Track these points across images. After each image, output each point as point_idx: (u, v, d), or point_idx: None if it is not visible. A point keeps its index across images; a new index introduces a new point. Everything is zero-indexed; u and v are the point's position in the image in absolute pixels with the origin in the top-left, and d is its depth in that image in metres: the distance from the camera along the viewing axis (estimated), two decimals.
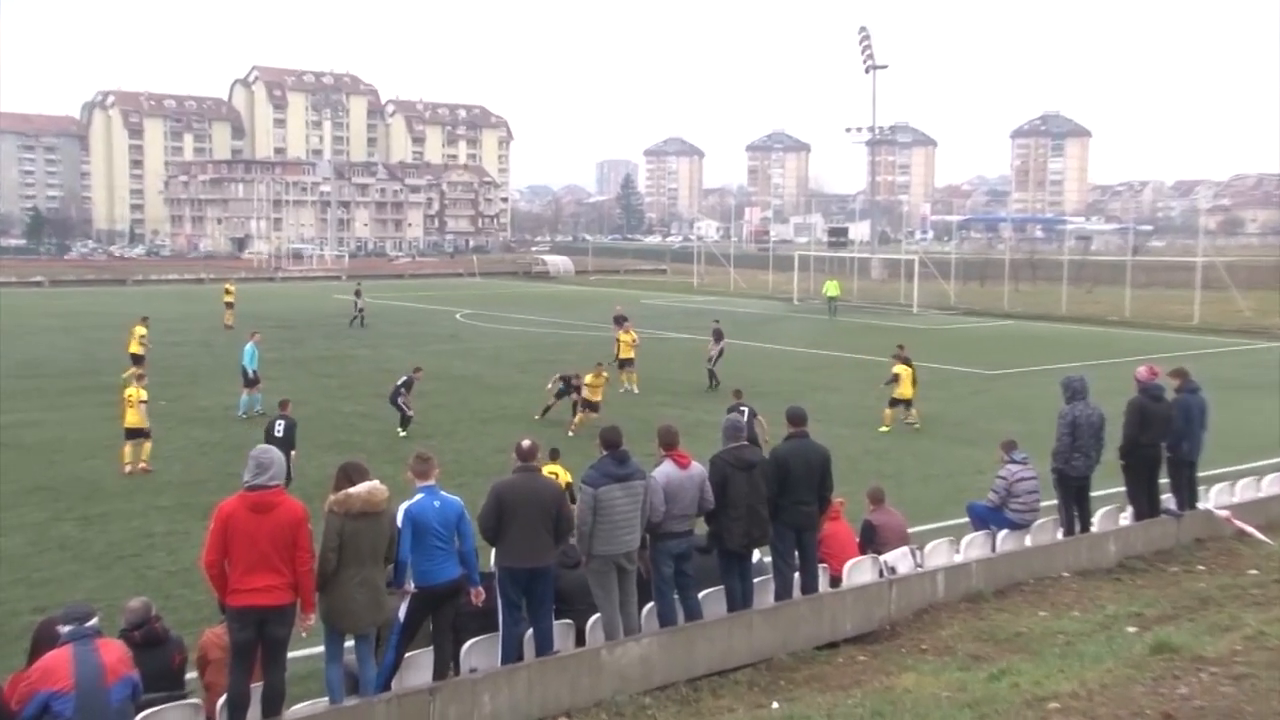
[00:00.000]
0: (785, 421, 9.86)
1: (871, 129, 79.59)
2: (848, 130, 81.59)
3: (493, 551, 8.38)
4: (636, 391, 25.28)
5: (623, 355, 26.25)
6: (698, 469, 8.92)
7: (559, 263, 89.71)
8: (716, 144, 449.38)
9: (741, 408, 16.62)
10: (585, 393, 21.14)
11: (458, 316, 47.26)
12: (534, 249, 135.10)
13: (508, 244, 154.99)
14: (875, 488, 11.65)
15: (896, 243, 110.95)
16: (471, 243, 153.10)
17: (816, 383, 27.72)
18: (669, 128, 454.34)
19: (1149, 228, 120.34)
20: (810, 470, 9.57)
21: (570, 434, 19.83)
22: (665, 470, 8.83)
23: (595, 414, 20.74)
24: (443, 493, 7.80)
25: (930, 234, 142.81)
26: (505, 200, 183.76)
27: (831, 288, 52.02)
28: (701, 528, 9.18)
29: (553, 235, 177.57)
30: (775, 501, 9.35)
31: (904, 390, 21.67)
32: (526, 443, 8.45)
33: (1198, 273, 48.11)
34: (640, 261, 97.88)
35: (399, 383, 20.61)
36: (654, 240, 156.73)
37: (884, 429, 21.14)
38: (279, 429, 15.81)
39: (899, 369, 21.91)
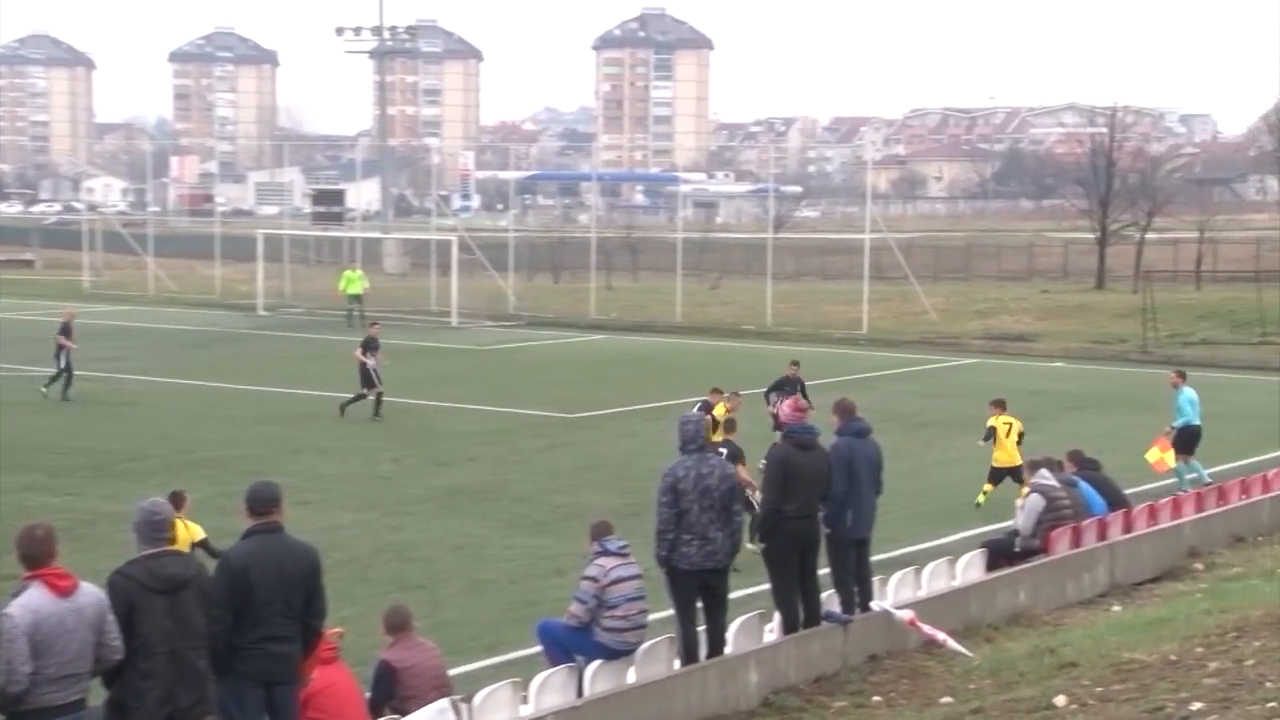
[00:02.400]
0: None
1: (379, 32, 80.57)
2: (340, 33, 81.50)
3: None
4: None
5: None
6: (89, 597, 8.52)
7: None
8: (121, 50, 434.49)
9: None
10: None
11: None
12: None
13: None
14: (394, 608, 11.55)
15: (424, 214, 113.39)
16: None
17: (304, 442, 27.75)
18: (32, 21, 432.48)
19: (797, 189, 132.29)
20: (289, 581, 9.64)
21: None
22: (30, 602, 8.37)
23: None
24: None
25: (476, 201, 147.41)
26: None
27: (352, 282, 52.70)
28: None
29: None
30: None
31: (1003, 454, 21.90)
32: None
33: (865, 257, 53.53)
34: None
35: None
36: (11, 211, 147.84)
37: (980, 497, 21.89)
38: None
39: (997, 420, 22.34)
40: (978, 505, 21.78)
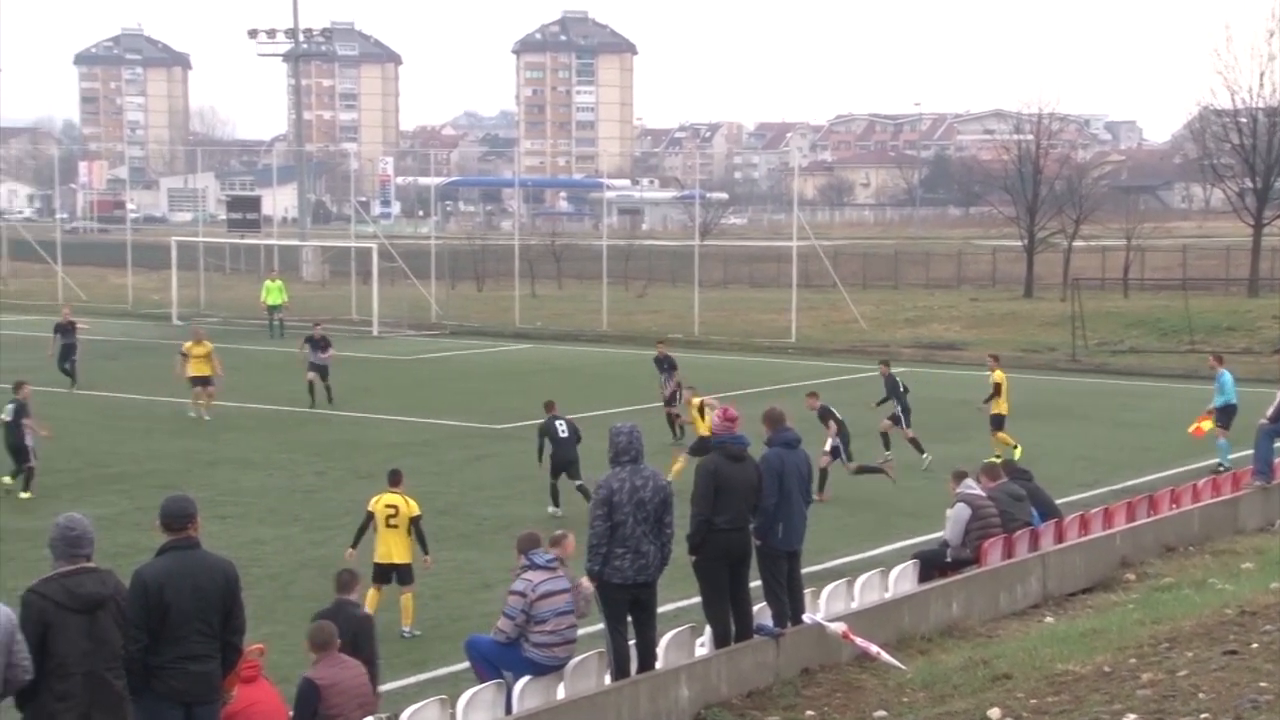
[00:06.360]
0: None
1: (293, 34, 79.99)
2: (253, 36, 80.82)
3: None
4: None
5: None
6: None
7: None
8: (22, 50, 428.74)
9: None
10: None
11: None
12: None
13: None
14: (318, 625, 11.47)
15: (343, 221, 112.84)
16: None
17: (222, 455, 27.62)
18: None
19: (723, 195, 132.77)
20: (205, 598, 9.58)
21: None
22: None
23: None
24: None
25: (396, 207, 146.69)
26: None
27: (273, 292, 52.32)
28: None
29: None
30: None
31: (1002, 405, 26.97)
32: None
33: (794, 265, 53.85)
34: None
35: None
36: None
37: (1014, 449, 25.60)
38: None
39: (999, 376, 27.35)
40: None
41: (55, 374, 35.47)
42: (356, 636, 11.99)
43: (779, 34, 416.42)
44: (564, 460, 22.38)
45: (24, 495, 23.21)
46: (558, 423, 22.63)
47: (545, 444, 22.60)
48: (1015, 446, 26.06)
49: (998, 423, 27.26)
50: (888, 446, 26.47)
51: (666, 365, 29.93)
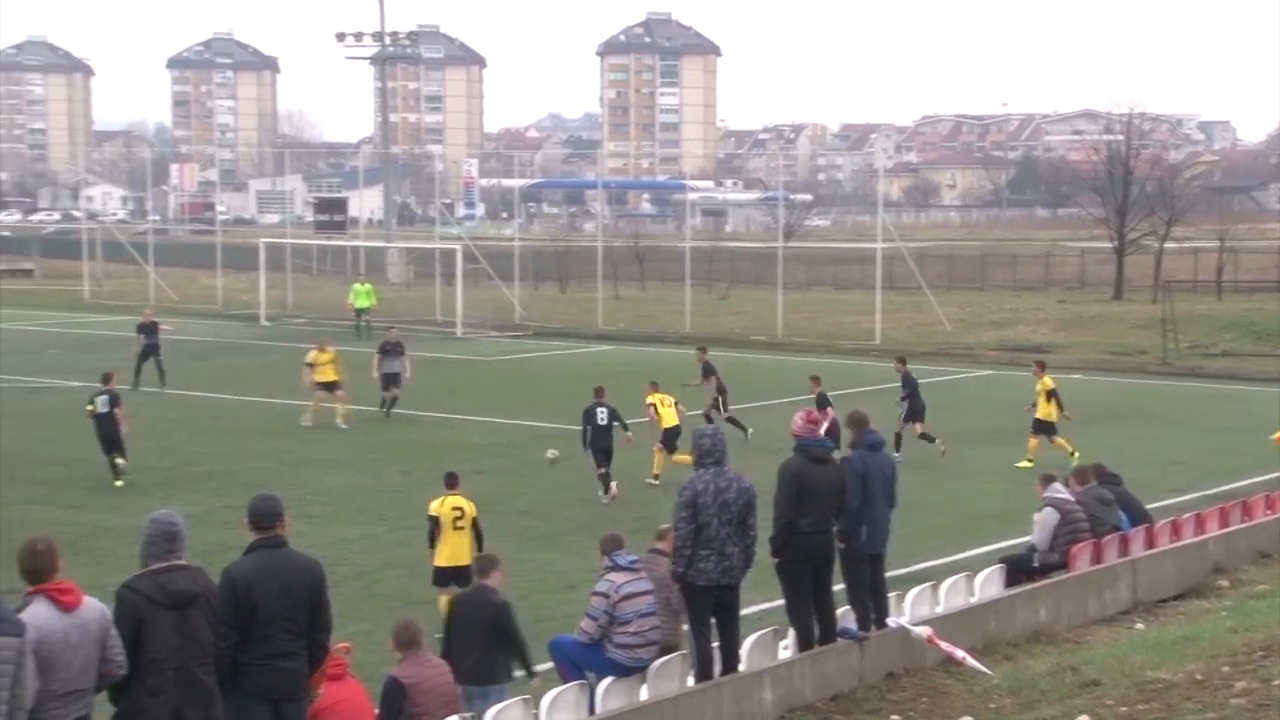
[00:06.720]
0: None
1: (380, 37, 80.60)
2: (341, 39, 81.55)
3: None
4: None
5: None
6: (93, 612, 8.54)
7: None
8: (114, 55, 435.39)
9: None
10: None
11: None
12: None
13: None
14: (403, 624, 11.56)
15: (427, 223, 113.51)
16: None
17: (308, 455, 27.86)
18: (29, 26, 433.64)
19: (807, 197, 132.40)
20: (293, 597, 9.64)
21: None
22: (34, 617, 8.39)
23: None
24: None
25: (480, 209, 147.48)
26: None
27: (362, 295, 52.70)
28: None
29: None
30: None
31: (1049, 410, 27.04)
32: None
33: (878, 266, 53.57)
34: None
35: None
36: (8, 219, 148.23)
37: (1026, 463, 25.93)
38: None
39: (1047, 382, 27.40)
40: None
41: (147, 372, 35.94)
42: (496, 621, 12.12)
43: (864, 34, 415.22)
44: (600, 447, 23.30)
45: (118, 484, 23.92)
46: (599, 409, 23.49)
47: (587, 430, 23.48)
48: (1073, 453, 25.85)
49: (1042, 428, 27.19)
50: (931, 441, 27.19)
51: (707, 370, 30.30)
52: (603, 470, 23.35)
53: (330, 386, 31.39)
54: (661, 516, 17.34)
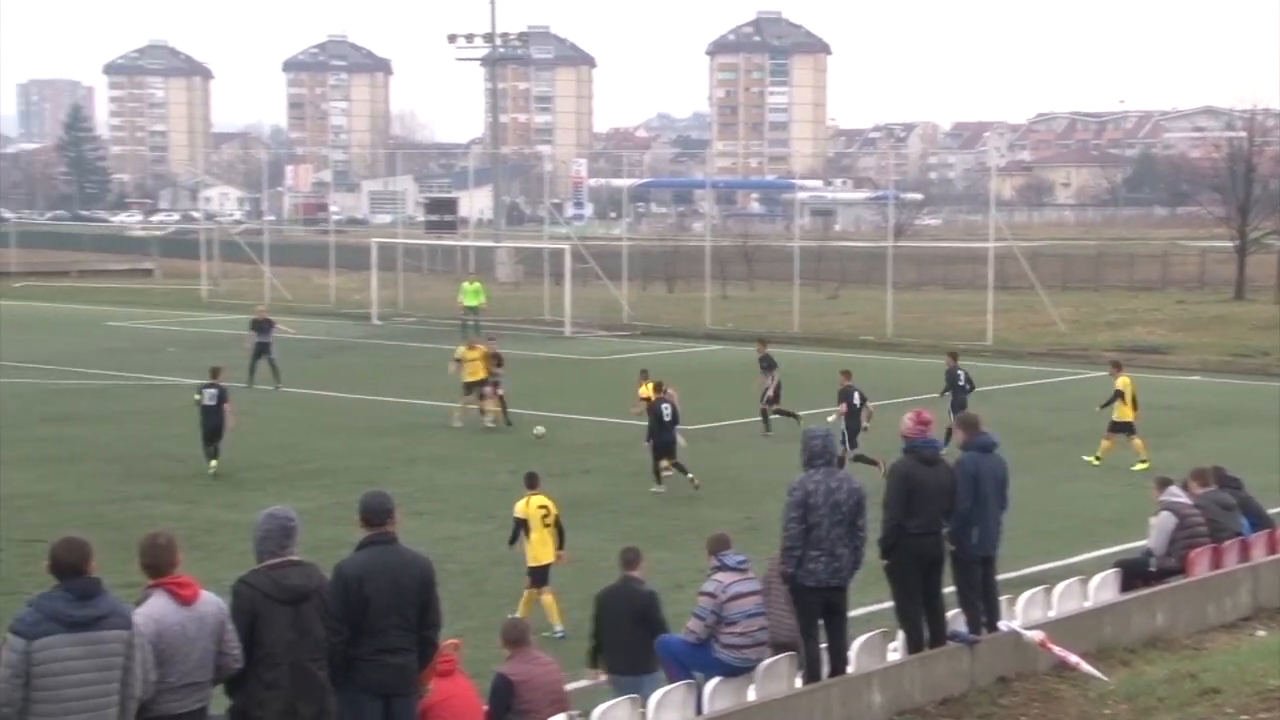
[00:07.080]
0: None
1: (490, 39, 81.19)
2: (452, 41, 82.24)
3: None
4: None
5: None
6: (210, 606, 8.71)
7: None
8: (232, 58, 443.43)
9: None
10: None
11: None
12: None
13: None
14: (512, 621, 11.63)
15: (536, 222, 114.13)
16: None
17: (419, 453, 28.08)
18: (148, 30, 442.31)
19: (918, 196, 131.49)
20: (403, 593, 9.57)
21: None
22: (153, 611, 8.53)
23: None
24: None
25: (589, 209, 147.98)
26: None
27: (470, 294, 53.03)
28: None
29: None
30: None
31: (1126, 411, 26.76)
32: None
33: (990, 266, 53.01)
34: (107, 256, 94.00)
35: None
36: (129, 220, 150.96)
37: (1094, 460, 26.52)
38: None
39: (1124, 381, 27.14)
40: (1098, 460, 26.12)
41: (262, 370, 36.46)
42: (644, 612, 12.35)
43: (977, 31, 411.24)
44: (663, 442, 23.84)
45: (213, 464, 24.82)
46: (664, 405, 24.09)
47: (653, 424, 24.08)
48: (1144, 461, 25.60)
49: (1118, 428, 26.91)
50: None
51: (767, 364, 30.72)
52: (664, 463, 23.93)
53: (476, 385, 31.16)
54: (768, 518, 17.29)
